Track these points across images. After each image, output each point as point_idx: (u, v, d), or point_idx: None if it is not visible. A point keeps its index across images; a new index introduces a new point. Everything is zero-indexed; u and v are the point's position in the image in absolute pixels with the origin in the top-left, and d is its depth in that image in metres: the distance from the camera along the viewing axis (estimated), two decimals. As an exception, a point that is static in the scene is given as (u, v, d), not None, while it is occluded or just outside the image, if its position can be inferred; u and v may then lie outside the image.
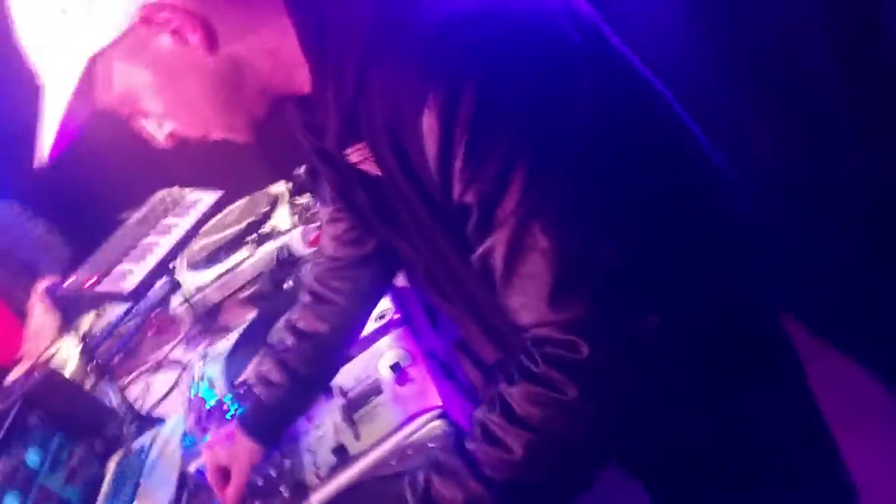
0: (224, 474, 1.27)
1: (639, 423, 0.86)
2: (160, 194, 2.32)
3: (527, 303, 0.79)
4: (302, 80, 0.84)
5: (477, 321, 1.06)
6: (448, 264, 0.96)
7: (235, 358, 1.73)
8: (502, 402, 0.83)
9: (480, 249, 0.81)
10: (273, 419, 1.27)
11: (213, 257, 2.37)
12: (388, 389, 1.37)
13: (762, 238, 1.03)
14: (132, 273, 1.89)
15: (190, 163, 2.67)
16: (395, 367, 1.39)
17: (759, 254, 1.02)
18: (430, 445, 1.24)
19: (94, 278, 1.84)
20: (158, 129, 0.89)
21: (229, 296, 2.26)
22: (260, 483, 1.32)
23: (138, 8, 0.77)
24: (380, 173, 0.88)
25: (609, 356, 0.78)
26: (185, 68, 0.81)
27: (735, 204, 0.99)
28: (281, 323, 1.74)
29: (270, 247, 2.26)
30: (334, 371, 1.34)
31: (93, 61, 0.79)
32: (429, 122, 0.75)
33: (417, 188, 0.84)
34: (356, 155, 0.88)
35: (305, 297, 1.29)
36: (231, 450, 1.26)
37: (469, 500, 0.83)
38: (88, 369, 2.12)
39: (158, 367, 2.10)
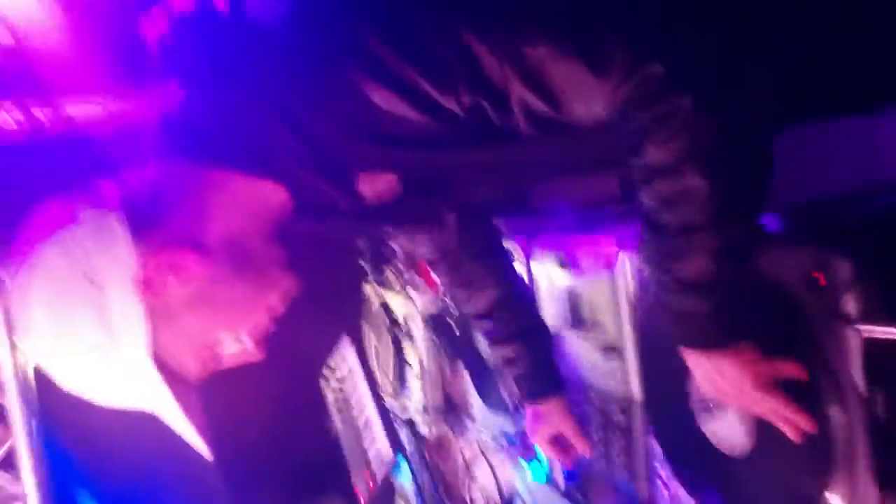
0: (558, 443, 1.36)
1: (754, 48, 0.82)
2: (328, 389, 2.47)
3: (586, 97, 0.80)
4: (276, 192, 0.89)
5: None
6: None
7: (488, 394, 1.82)
8: (648, 170, 0.82)
9: (518, 115, 0.82)
10: (542, 374, 1.35)
11: (402, 379, 2.50)
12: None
13: None
14: (380, 445, 2.02)
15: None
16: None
17: None
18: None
19: (368, 476, 1.98)
20: (241, 344, 0.93)
21: (442, 382, 2.38)
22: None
23: (134, 289, 0.81)
24: (396, 182, 0.94)
25: (677, 49, 0.77)
26: (206, 285, 0.85)
27: None
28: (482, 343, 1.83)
29: (416, 326, 2.38)
30: (535, 306, 1.41)
31: (157, 358, 0.84)
32: (379, 95, 0.80)
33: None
34: (367, 188, 0.93)
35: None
36: (544, 423, 1.35)
37: (713, 254, 0.82)
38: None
39: (470, 471, 2.21)
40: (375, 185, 0.95)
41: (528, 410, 1.39)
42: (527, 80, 0.79)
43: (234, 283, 0.88)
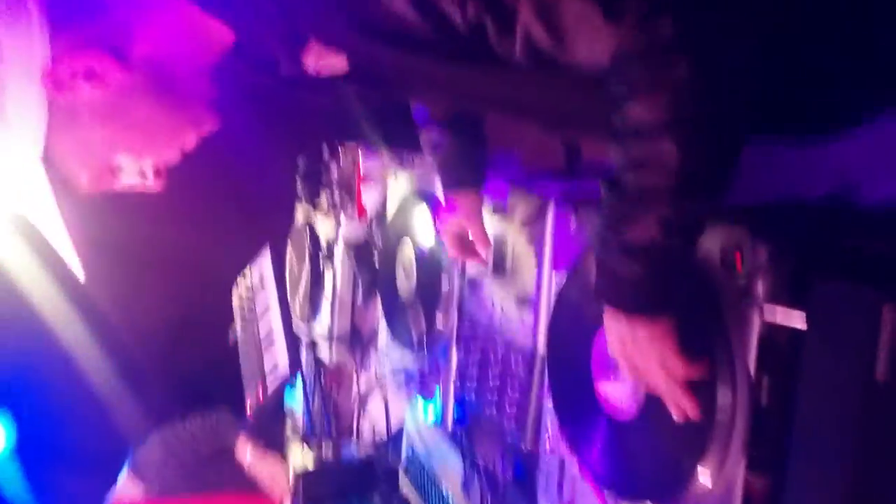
0: (463, 242, 1.40)
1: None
2: (235, 295, 2.44)
3: (592, 39, 0.78)
4: (221, 33, 0.85)
5: None
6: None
7: (396, 330, 1.82)
8: (627, 128, 0.80)
9: (519, 42, 0.79)
10: (465, 163, 1.35)
11: (314, 302, 2.48)
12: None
13: None
14: (278, 359, 2.01)
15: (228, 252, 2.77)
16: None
17: None
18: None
19: (260, 388, 1.96)
20: (142, 178, 0.90)
21: (352, 312, 2.37)
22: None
23: (41, 81, 0.77)
24: (346, 65, 0.89)
25: (690, 9, 0.75)
26: (120, 99, 0.82)
27: None
28: (400, 278, 1.81)
29: (338, 252, 2.35)
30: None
31: (47, 161, 0.80)
32: None
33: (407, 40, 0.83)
34: (312, 59, 0.89)
35: None
36: (459, 216, 1.38)
37: (664, 224, 0.82)
38: (322, 453, 2.28)
39: (363, 402, 2.23)
40: (322, 61, 0.90)
41: (446, 198, 1.41)
42: (538, 9, 0.77)
43: (151, 105, 0.84)
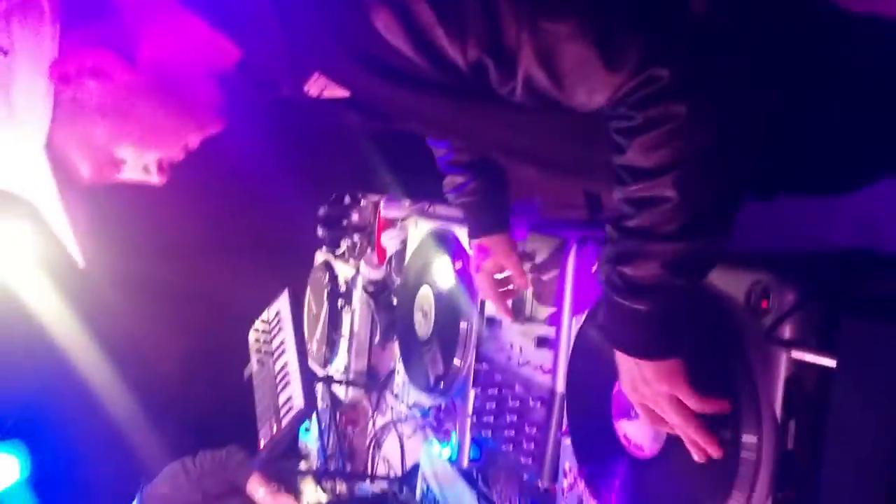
0: (497, 284, 1.41)
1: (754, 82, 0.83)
2: (252, 338, 2.45)
3: (591, 86, 0.80)
4: (227, 48, 0.88)
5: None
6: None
7: (413, 371, 1.81)
8: (627, 171, 0.83)
9: (520, 84, 0.81)
10: (493, 207, 1.37)
11: (332, 342, 2.49)
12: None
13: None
14: (293, 395, 2.00)
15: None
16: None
17: None
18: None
19: (274, 425, 1.96)
20: (145, 171, 0.92)
21: (369, 352, 2.37)
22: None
23: (48, 76, 0.80)
24: (347, 93, 0.91)
25: (687, 59, 0.78)
26: (126, 96, 0.84)
27: None
28: (417, 317, 1.82)
29: (357, 295, 2.36)
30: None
31: (50, 149, 0.83)
32: (383, 21, 0.78)
33: (404, 76, 0.84)
34: (315, 88, 0.92)
35: None
36: (488, 258, 1.38)
37: (666, 264, 0.84)
38: (336, 490, 2.25)
39: (379, 441, 2.21)
40: (323, 90, 0.93)
41: (474, 245, 1.41)
42: (539, 54, 0.79)
43: (155, 105, 0.86)
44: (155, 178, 0.93)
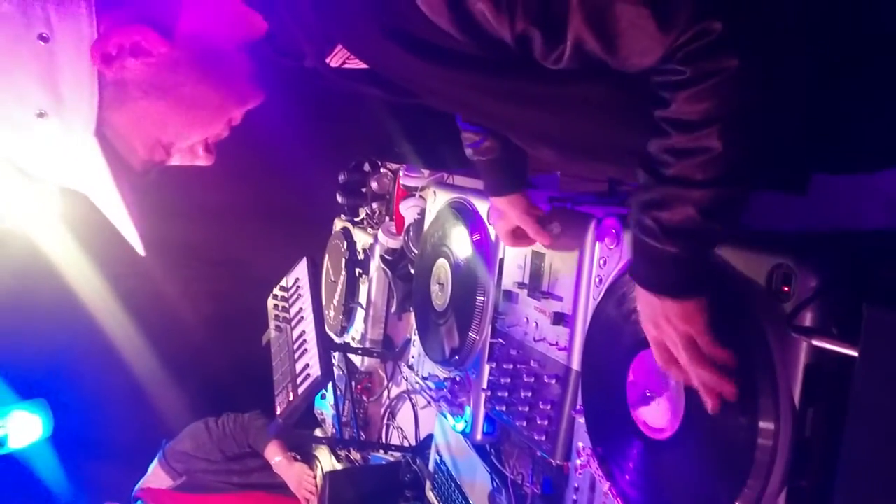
0: (517, 234, 1.42)
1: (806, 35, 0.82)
2: (270, 304, 2.46)
3: (644, 46, 0.79)
4: (255, 20, 0.88)
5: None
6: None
7: (429, 342, 1.81)
8: (670, 122, 0.83)
9: (568, 48, 0.79)
10: (509, 166, 1.35)
11: (348, 312, 2.50)
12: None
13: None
14: (310, 363, 2.02)
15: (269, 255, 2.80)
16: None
17: None
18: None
19: (291, 392, 1.97)
20: (193, 152, 0.92)
21: (385, 322, 2.38)
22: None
23: (90, 58, 0.79)
24: (365, 65, 0.90)
25: (741, 13, 0.76)
26: (168, 74, 0.84)
27: None
28: (434, 288, 1.81)
29: (375, 264, 2.36)
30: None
31: (101, 136, 0.83)
32: None
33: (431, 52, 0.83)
34: (336, 59, 0.91)
35: None
36: (506, 215, 1.39)
37: (702, 210, 0.84)
38: (350, 457, 2.28)
39: (393, 410, 2.23)
40: (344, 61, 0.92)
41: (490, 203, 1.42)
42: (590, 17, 0.76)
43: (196, 80, 0.87)
44: (203, 159, 0.93)
